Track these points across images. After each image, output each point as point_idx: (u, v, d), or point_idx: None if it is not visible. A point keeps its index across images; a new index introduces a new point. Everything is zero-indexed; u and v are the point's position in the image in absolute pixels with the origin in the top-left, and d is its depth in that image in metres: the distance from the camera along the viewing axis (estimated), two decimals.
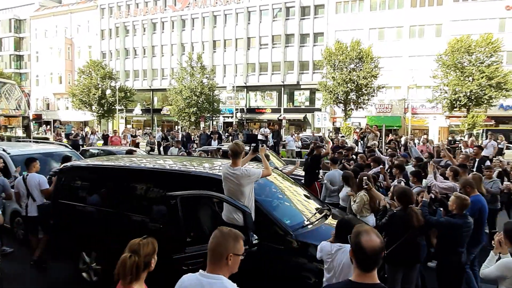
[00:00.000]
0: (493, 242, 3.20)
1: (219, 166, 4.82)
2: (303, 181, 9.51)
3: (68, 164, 5.91)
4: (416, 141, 16.17)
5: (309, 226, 4.22)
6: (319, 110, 32.73)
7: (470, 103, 25.21)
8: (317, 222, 4.42)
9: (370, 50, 27.50)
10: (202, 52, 37.70)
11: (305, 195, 5.37)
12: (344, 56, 27.27)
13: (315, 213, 4.70)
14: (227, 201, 3.91)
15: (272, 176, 5.32)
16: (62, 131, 22.41)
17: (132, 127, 37.39)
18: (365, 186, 4.94)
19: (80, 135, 18.27)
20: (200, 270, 2.03)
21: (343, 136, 15.47)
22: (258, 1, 37.47)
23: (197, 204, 4.67)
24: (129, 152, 8.11)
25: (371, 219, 5.06)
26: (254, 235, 3.69)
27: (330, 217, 4.75)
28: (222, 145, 12.71)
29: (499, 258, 3.08)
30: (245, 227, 3.76)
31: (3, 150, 7.43)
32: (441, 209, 4.94)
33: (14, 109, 13.38)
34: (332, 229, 4.40)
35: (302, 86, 36.34)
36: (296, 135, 20.01)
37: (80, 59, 45.16)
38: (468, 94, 24.61)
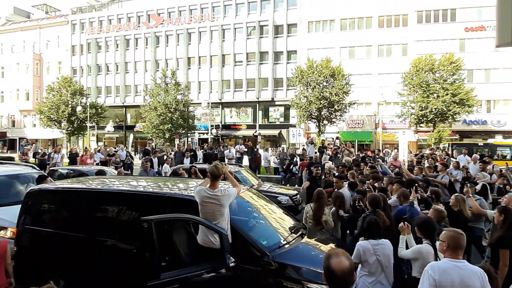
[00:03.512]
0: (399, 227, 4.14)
1: (194, 187, 4.76)
2: (279, 198, 9.65)
3: (36, 187, 5.64)
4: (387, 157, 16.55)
5: (286, 246, 4.20)
6: (294, 126, 33.19)
7: (436, 119, 26.47)
8: (293, 241, 4.41)
9: (341, 68, 28.43)
10: (177, 68, 37.62)
11: (281, 213, 5.34)
12: (316, 74, 28.01)
13: (291, 232, 4.69)
14: (204, 223, 3.85)
15: (247, 195, 5.33)
16: (29, 150, 21.40)
17: (104, 145, 36.35)
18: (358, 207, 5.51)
19: (48, 154, 17.51)
20: (445, 258, 2.87)
21: (317, 151, 15.63)
22: (233, 19, 38.09)
23: (172, 227, 4.57)
24: (100, 172, 7.82)
25: None
26: (231, 258, 3.64)
27: (307, 236, 4.76)
28: (196, 163, 12.51)
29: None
30: (221, 250, 3.73)
31: None
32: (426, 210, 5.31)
33: None
34: (310, 248, 4.51)
35: (276, 103, 36.88)
36: (271, 150, 20.14)
37: (49, 75, 43.82)
38: (434, 110, 25.85)
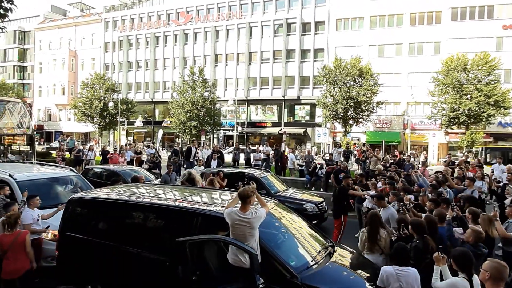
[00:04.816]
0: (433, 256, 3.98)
1: (220, 203, 4.84)
2: (305, 206, 9.65)
3: (76, 196, 5.93)
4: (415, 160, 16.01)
5: (315, 267, 4.16)
6: (319, 125, 32.94)
7: (469, 121, 25.47)
8: (322, 261, 4.36)
9: (370, 67, 27.82)
10: (204, 65, 38.14)
11: (307, 228, 5.29)
12: (344, 74, 27.55)
13: (319, 250, 4.63)
14: (235, 244, 3.94)
15: (275, 210, 5.23)
16: (66, 144, 22.48)
17: (133, 139, 37.58)
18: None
19: (82, 150, 18.20)
20: None
21: (346, 156, 15.33)
22: (260, 17, 38.07)
23: (203, 243, 4.70)
24: (135, 179, 8.15)
25: (374, 258, 5.13)
26: (261, 279, 3.68)
27: (336, 254, 4.70)
28: (223, 167, 12.64)
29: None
30: (251, 270, 3.76)
31: (10, 175, 7.37)
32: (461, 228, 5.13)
33: (19, 128, 13.55)
34: (339, 268, 4.50)
35: (302, 101, 36.68)
36: (298, 151, 20.03)
37: (83, 71, 45.70)
38: (466, 111, 24.88)
